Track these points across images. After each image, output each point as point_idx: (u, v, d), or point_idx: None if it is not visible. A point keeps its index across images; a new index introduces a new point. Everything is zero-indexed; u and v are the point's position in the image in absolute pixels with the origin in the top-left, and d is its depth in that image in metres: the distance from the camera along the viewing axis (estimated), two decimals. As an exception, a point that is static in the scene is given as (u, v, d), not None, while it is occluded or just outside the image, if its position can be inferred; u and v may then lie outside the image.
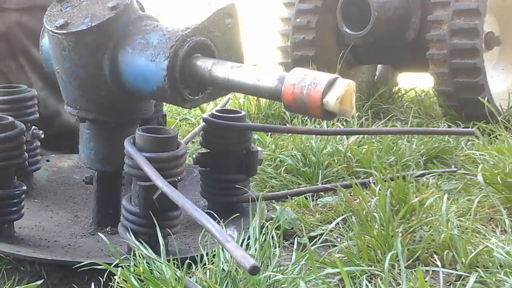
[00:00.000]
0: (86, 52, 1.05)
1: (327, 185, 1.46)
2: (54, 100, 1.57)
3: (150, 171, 0.99)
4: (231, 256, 0.93)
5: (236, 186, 1.26)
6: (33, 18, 1.58)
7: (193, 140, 1.70)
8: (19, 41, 1.58)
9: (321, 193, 1.47)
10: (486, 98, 2.02)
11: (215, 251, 0.96)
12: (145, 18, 1.09)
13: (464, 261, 1.07)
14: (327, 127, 1.92)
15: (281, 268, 0.96)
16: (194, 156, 1.29)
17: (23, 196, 1.16)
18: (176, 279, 0.89)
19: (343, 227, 1.24)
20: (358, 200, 1.30)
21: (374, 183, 1.32)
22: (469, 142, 1.83)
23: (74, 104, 1.12)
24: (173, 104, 1.05)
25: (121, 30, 1.06)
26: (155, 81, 1.02)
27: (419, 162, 1.66)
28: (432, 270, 1.06)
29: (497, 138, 1.80)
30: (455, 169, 1.60)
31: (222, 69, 1.00)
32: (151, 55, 1.03)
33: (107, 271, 0.95)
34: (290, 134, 1.83)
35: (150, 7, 1.21)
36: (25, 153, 1.17)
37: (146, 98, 1.14)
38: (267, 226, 1.03)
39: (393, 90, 2.74)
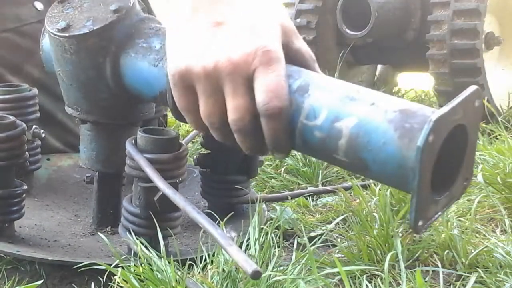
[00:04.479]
0: (87, 55, 1.04)
1: (328, 187, 1.46)
2: None
3: (151, 172, 0.98)
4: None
5: (236, 187, 1.26)
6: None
7: (193, 140, 1.70)
8: None
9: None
10: (486, 98, 2.01)
11: (215, 252, 0.96)
12: (147, 21, 1.06)
13: (464, 261, 1.07)
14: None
15: (281, 268, 0.96)
16: (194, 157, 1.29)
17: (23, 195, 1.16)
18: (176, 280, 0.89)
19: (343, 227, 1.24)
20: (358, 200, 1.30)
21: (374, 183, 1.32)
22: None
23: (75, 106, 1.11)
24: None
25: (123, 33, 1.04)
26: (158, 86, 1.00)
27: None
28: (432, 270, 1.06)
29: (497, 138, 1.80)
30: None
31: None
32: (154, 59, 1.01)
33: (107, 271, 0.95)
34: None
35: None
36: (26, 152, 1.17)
37: (148, 102, 1.12)
38: (267, 227, 1.03)
39: (393, 90, 2.74)
